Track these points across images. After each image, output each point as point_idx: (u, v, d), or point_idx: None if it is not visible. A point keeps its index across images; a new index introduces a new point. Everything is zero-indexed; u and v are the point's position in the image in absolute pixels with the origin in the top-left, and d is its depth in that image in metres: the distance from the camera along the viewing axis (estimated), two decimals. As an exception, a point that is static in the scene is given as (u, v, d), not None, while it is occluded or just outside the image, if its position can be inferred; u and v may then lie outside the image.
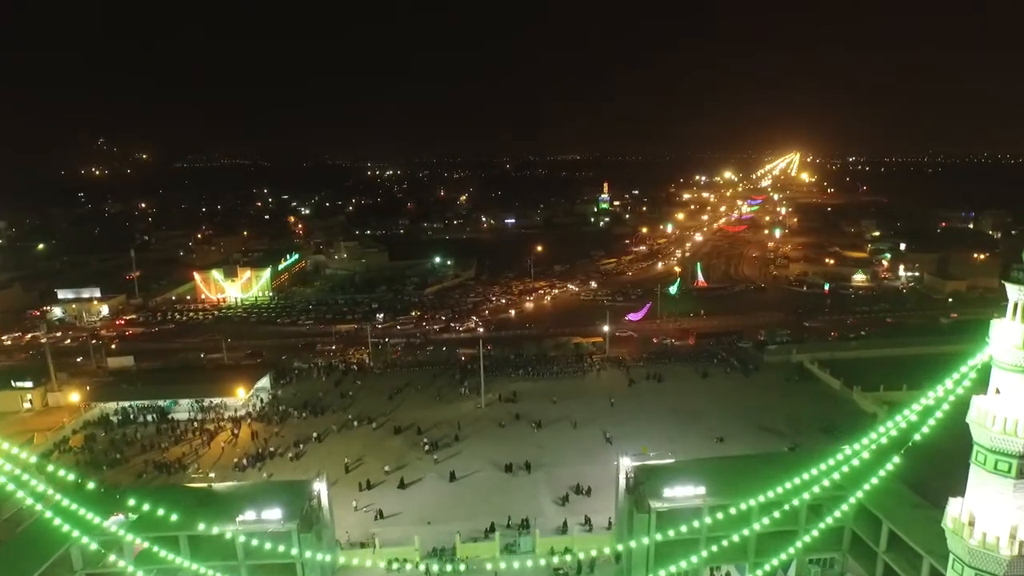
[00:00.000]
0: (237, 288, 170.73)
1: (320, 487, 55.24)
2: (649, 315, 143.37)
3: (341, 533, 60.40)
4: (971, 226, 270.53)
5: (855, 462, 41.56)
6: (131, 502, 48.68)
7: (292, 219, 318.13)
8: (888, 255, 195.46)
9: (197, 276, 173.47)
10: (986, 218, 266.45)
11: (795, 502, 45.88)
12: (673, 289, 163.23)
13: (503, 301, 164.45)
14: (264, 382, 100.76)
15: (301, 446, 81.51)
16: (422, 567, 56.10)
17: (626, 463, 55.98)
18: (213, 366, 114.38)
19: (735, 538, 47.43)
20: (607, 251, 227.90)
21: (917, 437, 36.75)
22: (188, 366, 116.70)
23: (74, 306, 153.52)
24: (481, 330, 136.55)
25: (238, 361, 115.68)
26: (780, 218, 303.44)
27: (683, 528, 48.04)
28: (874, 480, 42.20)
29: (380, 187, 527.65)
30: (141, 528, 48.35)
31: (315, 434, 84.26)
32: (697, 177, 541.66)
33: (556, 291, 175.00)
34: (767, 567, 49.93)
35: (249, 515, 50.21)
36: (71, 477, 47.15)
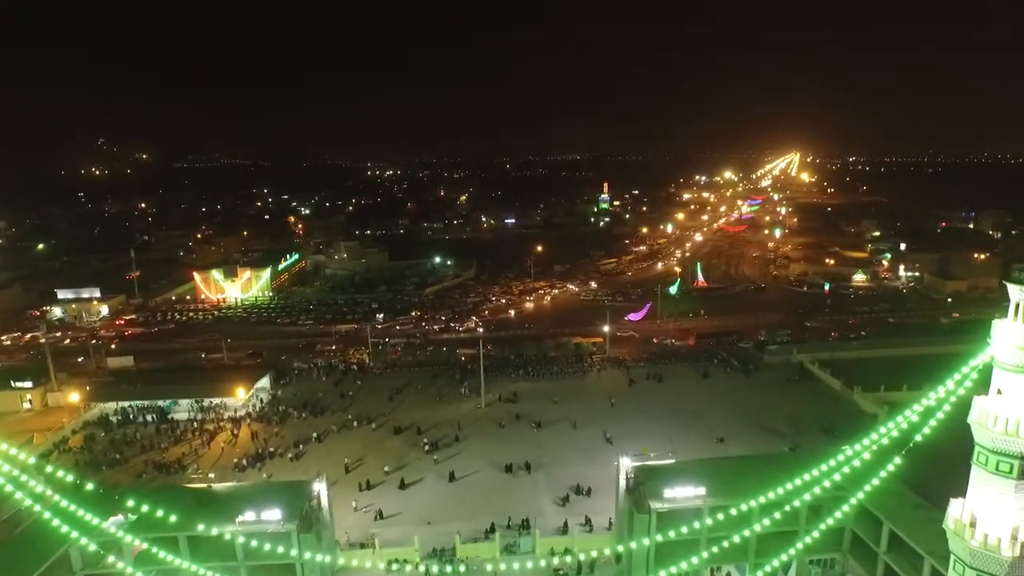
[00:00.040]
0: (237, 288, 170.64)
1: (320, 487, 55.11)
2: (649, 315, 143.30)
3: (341, 534, 60.30)
4: (971, 226, 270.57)
5: (856, 463, 41.43)
6: (130, 503, 48.59)
7: (292, 219, 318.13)
8: (888, 255, 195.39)
9: (197, 276, 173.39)
10: (986, 218, 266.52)
11: (796, 503, 45.80)
12: (673, 289, 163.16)
13: (503, 301, 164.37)
14: (264, 382, 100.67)
15: (301, 446, 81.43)
16: (422, 568, 56.00)
17: (626, 463, 55.86)
18: (213, 366, 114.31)
19: (736, 539, 47.30)
20: (607, 251, 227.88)
21: (918, 438, 36.62)
22: (188, 366, 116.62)
23: (74, 306, 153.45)
24: (481, 330, 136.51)
25: (238, 361, 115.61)
26: (780, 218, 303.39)
27: (683, 529, 47.92)
28: (875, 481, 42.08)
29: (380, 187, 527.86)
30: (140, 529, 48.26)
31: (315, 434, 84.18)
32: (697, 177, 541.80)
33: (556, 291, 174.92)
34: (768, 568, 49.83)
35: (249, 516, 50.06)
36: (70, 478, 47.05)
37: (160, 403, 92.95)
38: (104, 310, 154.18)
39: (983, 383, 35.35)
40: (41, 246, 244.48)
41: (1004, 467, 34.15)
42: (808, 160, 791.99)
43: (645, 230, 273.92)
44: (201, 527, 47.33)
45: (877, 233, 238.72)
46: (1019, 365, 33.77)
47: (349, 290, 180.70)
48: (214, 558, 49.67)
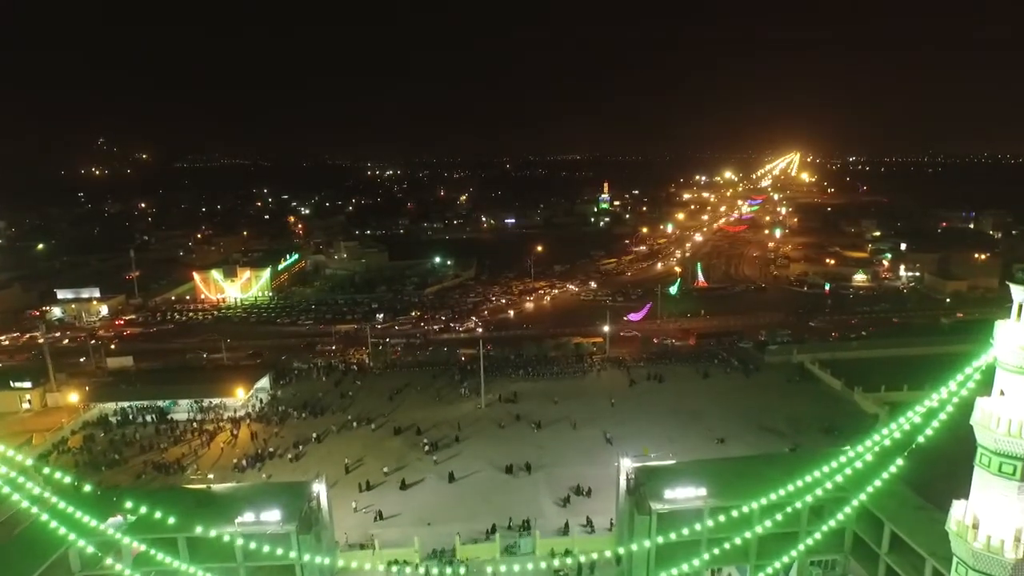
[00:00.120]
0: (237, 288, 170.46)
1: (319, 488, 54.95)
2: (649, 315, 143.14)
3: (340, 534, 60.10)
4: (971, 226, 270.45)
5: (858, 464, 41.24)
6: (129, 504, 48.43)
7: (292, 219, 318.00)
8: (889, 255, 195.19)
9: (197, 276, 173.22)
10: (986, 218, 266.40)
11: (797, 504, 45.63)
12: (673, 289, 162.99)
13: (503, 301, 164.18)
14: (263, 382, 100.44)
15: (300, 447, 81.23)
16: (422, 569, 55.79)
17: (627, 464, 55.69)
18: (212, 366, 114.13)
19: (737, 540, 47.10)
20: (607, 251, 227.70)
21: (920, 439, 36.43)
22: (187, 366, 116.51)
23: (73, 306, 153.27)
24: (481, 330, 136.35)
25: (238, 362, 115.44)
26: (780, 218, 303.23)
27: (684, 530, 47.78)
28: (877, 482, 41.92)
29: (380, 187, 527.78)
30: (139, 530, 48.07)
31: (315, 435, 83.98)
32: (697, 177, 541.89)
33: (556, 291, 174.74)
34: (769, 569, 49.65)
35: (248, 516, 49.93)
36: (68, 479, 46.89)
37: (159, 403, 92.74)
38: (104, 310, 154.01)
39: (986, 384, 35.16)
40: (41, 246, 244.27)
41: (1007, 469, 33.94)
42: (808, 160, 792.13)
43: (645, 230, 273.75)
44: (200, 528, 47.18)
45: (877, 233, 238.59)
46: (1022, 366, 33.57)
47: (349, 290, 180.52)
48: (213, 559, 49.51)
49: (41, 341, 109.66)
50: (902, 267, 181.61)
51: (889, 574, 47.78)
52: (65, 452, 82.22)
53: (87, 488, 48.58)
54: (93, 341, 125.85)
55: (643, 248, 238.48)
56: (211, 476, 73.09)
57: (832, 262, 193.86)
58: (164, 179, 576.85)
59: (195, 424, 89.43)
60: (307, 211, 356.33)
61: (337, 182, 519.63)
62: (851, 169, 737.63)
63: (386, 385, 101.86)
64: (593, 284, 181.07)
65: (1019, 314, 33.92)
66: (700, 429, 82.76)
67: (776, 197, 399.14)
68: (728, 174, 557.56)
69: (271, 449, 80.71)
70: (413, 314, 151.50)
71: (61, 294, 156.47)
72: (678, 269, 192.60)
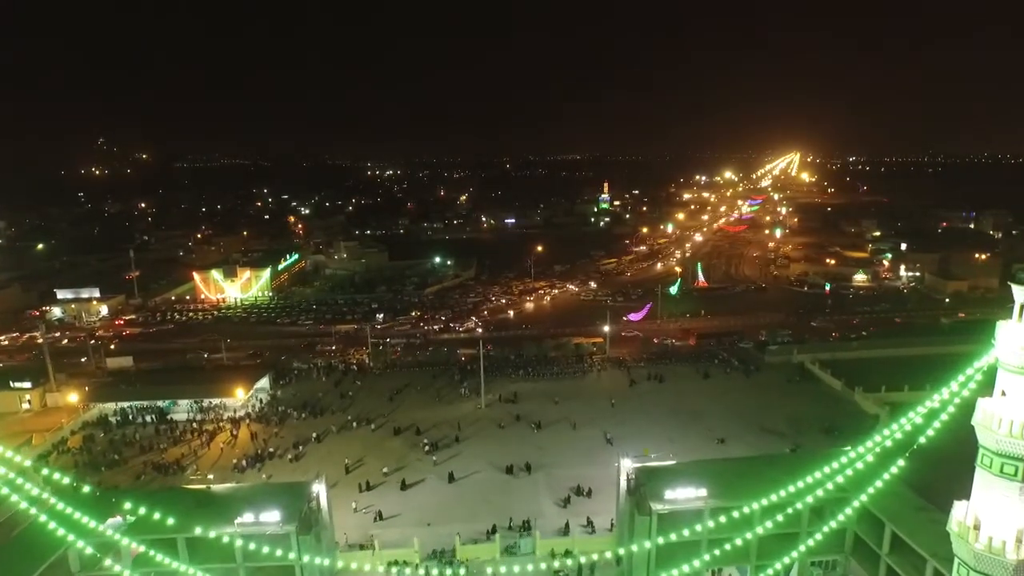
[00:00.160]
0: (237, 288, 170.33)
1: (319, 489, 54.82)
2: (650, 315, 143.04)
3: (340, 535, 60.02)
4: (972, 226, 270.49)
5: (859, 465, 41.15)
6: (128, 504, 48.32)
7: (292, 219, 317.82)
8: (889, 255, 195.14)
9: (197, 276, 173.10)
10: (987, 218, 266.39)
11: (798, 505, 45.53)
12: (674, 289, 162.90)
13: (503, 301, 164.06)
14: (263, 383, 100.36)
15: (300, 447, 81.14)
16: (421, 570, 55.75)
17: (627, 464, 55.58)
18: (212, 366, 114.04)
19: (737, 541, 47.01)
20: (607, 251, 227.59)
21: (922, 440, 36.32)
22: (187, 366, 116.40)
23: (73, 306, 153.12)
24: (481, 330, 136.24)
25: (238, 362, 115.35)
26: (780, 218, 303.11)
27: (685, 531, 47.69)
28: (878, 483, 41.83)
29: (380, 187, 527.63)
30: (138, 531, 47.95)
31: (314, 435, 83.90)
32: (697, 177, 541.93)
33: (556, 291, 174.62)
34: (770, 570, 49.57)
35: (247, 517, 49.80)
36: (67, 480, 46.79)
37: (159, 403, 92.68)
38: (103, 310, 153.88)
39: (987, 385, 35.07)
40: (41, 246, 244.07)
41: (1009, 470, 33.84)
42: (808, 160, 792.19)
43: (645, 230, 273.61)
44: (199, 529, 47.10)
45: (877, 233, 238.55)
46: (1024, 366, 33.47)
47: (349, 290, 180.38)
48: (213, 560, 49.42)
49: (41, 341, 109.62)
50: (902, 267, 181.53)
51: (890, 575, 47.70)
52: (65, 452, 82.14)
53: (86, 489, 48.50)
54: (93, 341, 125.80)
55: (643, 248, 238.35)
56: (211, 476, 73.05)
57: (832, 262, 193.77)
58: (164, 179, 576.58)
59: (195, 424, 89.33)
60: (307, 211, 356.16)
61: (337, 182, 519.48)
62: (851, 169, 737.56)
63: (386, 385, 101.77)
64: (593, 284, 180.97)
65: (1020, 314, 33.82)
66: (700, 429, 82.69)
67: (776, 197, 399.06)
68: (728, 174, 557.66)
69: (271, 449, 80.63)
70: (413, 314, 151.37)
71: (61, 294, 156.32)
72: (678, 269, 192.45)
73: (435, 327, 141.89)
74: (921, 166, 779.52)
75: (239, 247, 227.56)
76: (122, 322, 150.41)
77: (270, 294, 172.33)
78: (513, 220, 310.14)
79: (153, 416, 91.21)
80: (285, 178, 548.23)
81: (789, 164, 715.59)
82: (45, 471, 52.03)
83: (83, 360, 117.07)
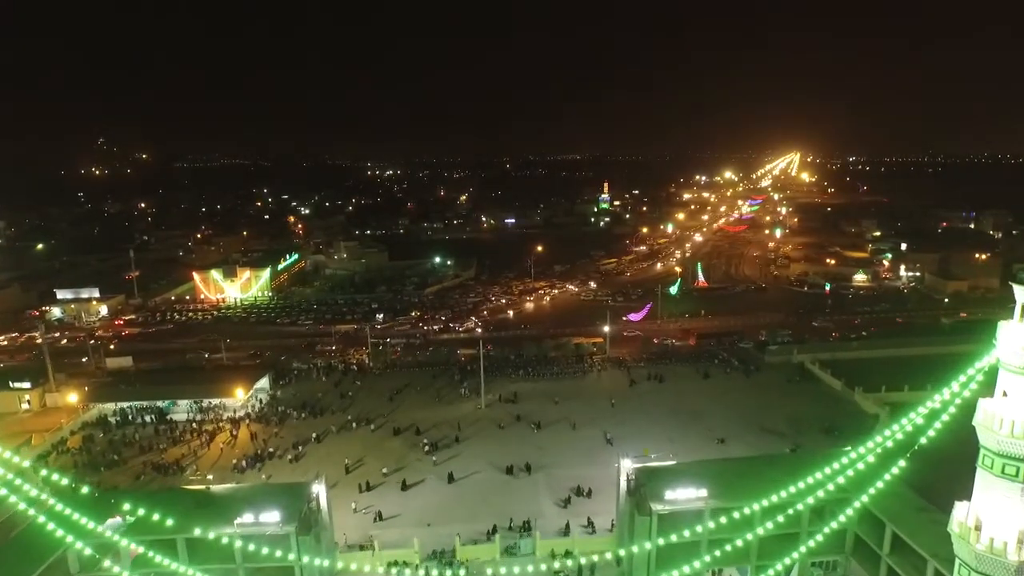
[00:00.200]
0: (236, 288, 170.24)
1: (319, 489, 54.72)
2: (650, 315, 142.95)
3: (340, 535, 59.93)
4: (972, 226, 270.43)
5: (860, 465, 41.08)
6: (127, 505, 48.22)
7: (292, 219, 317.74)
8: (889, 255, 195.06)
9: (196, 276, 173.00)
10: (987, 218, 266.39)
11: (799, 505, 45.44)
12: (674, 289, 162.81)
13: (503, 301, 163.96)
14: (263, 383, 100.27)
15: (300, 447, 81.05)
16: (421, 571, 55.67)
17: (627, 465, 55.47)
18: (212, 366, 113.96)
19: (738, 541, 46.95)
20: (607, 251, 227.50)
21: (923, 440, 36.24)
22: (187, 367, 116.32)
23: (73, 306, 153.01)
24: (480, 330, 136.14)
25: (238, 362, 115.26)
26: (780, 218, 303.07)
27: (685, 531, 47.59)
28: (879, 483, 41.75)
29: (380, 187, 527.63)
30: (138, 532, 47.88)
31: (314, 435, 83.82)
32: (697, 177, 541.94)
33: (556, 291, 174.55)
34: (770, 571, 49.48)
35: (247, 518, 49.73)
36: (66, 480, 46.68)
37: (159, 404, 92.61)
38: (103, 310, 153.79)
39: (988, 385, 34.99)
40: (40, 246, 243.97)
41: (1010, 470, 33.77)
42: (808, 160, 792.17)
43: (645, 230, 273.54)
44: (199, 530, 47.03)
45: (878, 233, 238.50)
46: (1025, 367, 33.37)
47: (349, 290, 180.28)
48: (212, 560, 49.34)
49: (40, 341, 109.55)
50: (902, 267, 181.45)
51: (890, 575, 47.62)
52: (64, 453, 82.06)
53: (85, 489, 48.40)
54: (92, 341, 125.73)
55: (643, 248, 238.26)
56: (210, 477, 73.02)
57: (832, 262, 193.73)
58: (164, 179, 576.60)
59: (194, 424, 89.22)
60: (307, 211, 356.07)
61: (337, 182, 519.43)
62: (851, 169, 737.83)
63: (386, 385, 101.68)
64: (593, 284, 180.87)
65: (1022, 315, 33.76)
66: (700, 429, 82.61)
67: (776, 197, 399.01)
68: (728, 174, 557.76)
69: (271, 450, 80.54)
70: (413, 314, 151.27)
71: (61, 294, 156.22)
72: (678, 269, 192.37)
73: (435, 327, 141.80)
74: (921, 166, 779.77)
75: (239, 247, 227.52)
76: (122, 322, 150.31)
77: (270, 294, 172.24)
78: (513, 220, 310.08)
79: (153, 416, 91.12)
80: (285, 178, 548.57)
81: (789, 164, 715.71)
82: (44, 471, 51.90)
83: (83, 360, 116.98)
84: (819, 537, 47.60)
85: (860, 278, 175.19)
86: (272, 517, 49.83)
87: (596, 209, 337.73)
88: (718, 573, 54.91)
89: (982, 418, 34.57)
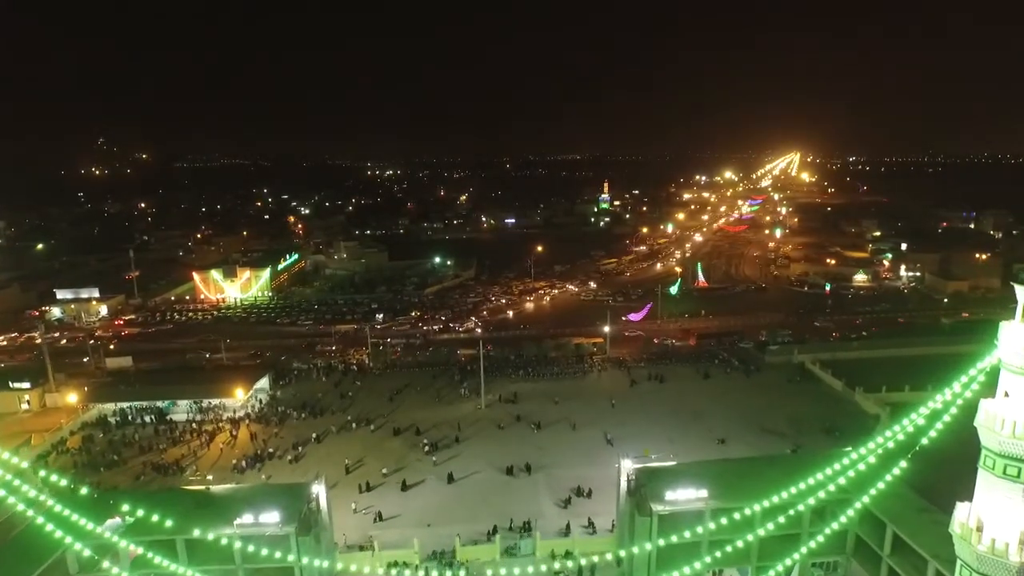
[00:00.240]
0: (236, 288, 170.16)
1: (319, 489, 54.59)
2: (650, 315, 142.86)
3: (340, 536, 59.83)
4: (972, 226, 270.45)
5: (861, 466, 40.99)
6: (126, 506, 48.12)
7: (292, 219, 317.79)
8: (889, 255, 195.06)
9: (196, 276, 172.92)
10: (987, 218, 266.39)
11: (799, 506, 45.35)
12: (674, 289, 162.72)
13: (503, 301, 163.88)
14: (263, 383, 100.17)
15: (300, 448, 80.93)
16: (421, 571, 55.58)
17: (627, 465, 55.35)
18: (212, 367, 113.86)
19: (738, 542, 46.86)
20: (607, 251, 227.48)
21: (924, 441, 36.16)
22: (187, 367, 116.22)
23: (73, 306, 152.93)
24: (480, 331, 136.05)
25: (238, 362, 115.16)
26: (780, 218, 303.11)
27: (685, 532, 47.49)
28: (880, 484, 41.66)
29: (380, 187, 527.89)
30: (137, 532, 47.78)
31: (314, 435, 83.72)
32: (697, 177, 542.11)
33: (556, 291, 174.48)
34: (771, 571, 49.36)
35: (247, 518, 49.61)
36: (65, 481, 46.57)
37: (159, 404, 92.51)
38: (103, 310, 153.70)
39: (990, 386, 34.89)
40: (40, 246, 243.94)
41: (1012, 471, 33.68)
42: (808, 160, 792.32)
43: (645, 230, 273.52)
44: (198, 530, 46.91)
45: (878, 233, 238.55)
46: (1027, 367, 33.28)
47: (349, 290, 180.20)
48: (212, 561, 49.22)
49: (40, 341, 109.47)
50: (903, 267, 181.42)
51: (891, 576, 47.56)
52: (64, 453, 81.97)
53: (84, 490, 48.30)
54: (92, 341, 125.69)
55: (643, 248, 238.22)
56: (210, 477, 72.94)
57: (832, 262, 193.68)
58: (164, 179, 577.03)
59: (194, 425, 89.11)
60: (307, 211, 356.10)
61: (337, 182, 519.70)
62: (851, 169, 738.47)
63: (386, 385, 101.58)
64: (593, 284, 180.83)
65: (1023, 315, 33.67)
66: (701, 430, 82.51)
67: (776, 197, 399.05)
68: (728, 174, 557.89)
69: (270, 450, 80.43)
70: (413, 314, 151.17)
71: (60, 294, 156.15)
72: (678, 269, 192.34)
73: (435, 327, 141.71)
74: (921, 166, 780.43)
75: (239, 247, 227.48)
76: (121, 322, 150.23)
77: (270, 294, 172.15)
78: (513, 220, 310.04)
79: (152, 416, 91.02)
80: (285, 178, 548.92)
81: (789, 164, 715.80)
82: (44, 472, 51.83)
83: (83, 360, 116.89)
84: (820, 538, 47.53)
85: (860, 278, 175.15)
86: (272, 518, 49.71)
87: (596, 209, 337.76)
88: (719, 574, 54.81)
89: (983, 419, 34.48)
